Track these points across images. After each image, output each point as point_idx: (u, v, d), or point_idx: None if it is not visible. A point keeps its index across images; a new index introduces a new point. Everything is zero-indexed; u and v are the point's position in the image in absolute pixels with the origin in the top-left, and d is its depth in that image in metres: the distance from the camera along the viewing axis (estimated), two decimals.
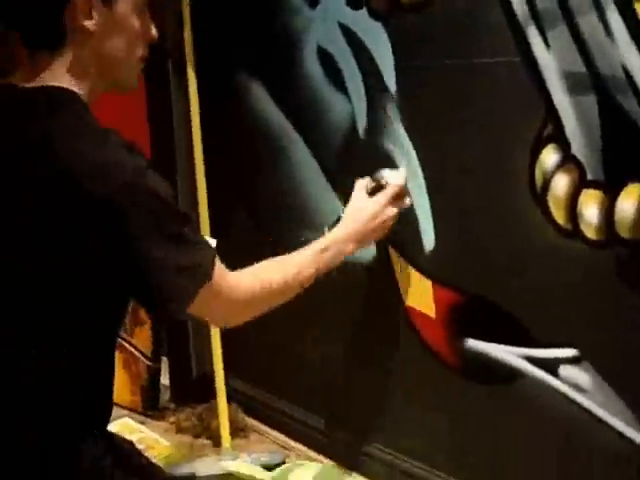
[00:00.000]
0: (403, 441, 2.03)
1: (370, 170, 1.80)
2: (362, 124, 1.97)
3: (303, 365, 2.24)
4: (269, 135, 2.22)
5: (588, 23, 1.41)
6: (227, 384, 2.37)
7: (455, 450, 1.91)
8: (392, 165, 1.83)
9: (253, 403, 2.45)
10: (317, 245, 1.57)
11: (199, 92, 2.31)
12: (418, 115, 1.80)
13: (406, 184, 1.74)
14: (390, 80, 1.86)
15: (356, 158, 1.98)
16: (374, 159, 1.90)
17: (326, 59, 2.02)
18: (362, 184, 1.73)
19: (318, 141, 2.09)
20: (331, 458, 2.21)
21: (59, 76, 1.21)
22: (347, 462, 2.17)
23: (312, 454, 2.27)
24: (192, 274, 1.23)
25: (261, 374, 2.43)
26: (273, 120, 2.22)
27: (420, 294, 1.91)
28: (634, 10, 1.34)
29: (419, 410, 1.95)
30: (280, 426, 2.38)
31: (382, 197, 1.70)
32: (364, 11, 1.90)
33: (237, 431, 2.40)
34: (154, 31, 1.31)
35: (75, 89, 1.22)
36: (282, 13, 2.10)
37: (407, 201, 1.74)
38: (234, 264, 1.36)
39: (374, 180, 1.72)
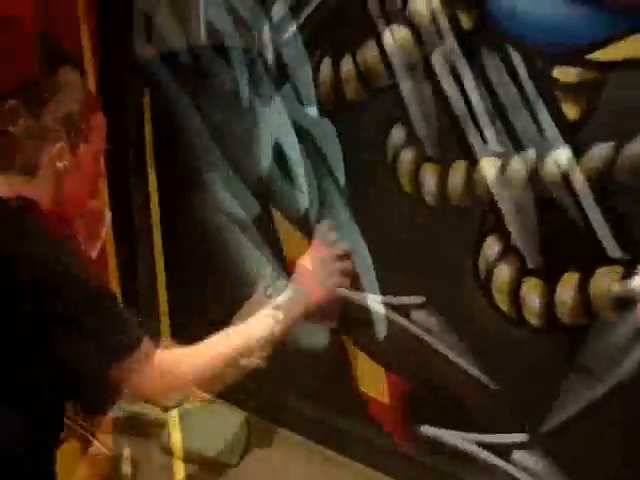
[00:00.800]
0: None
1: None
2: (313, 216, 2.01)
3: None
4: (227, 226, 2.26)
5: (521, 120, 1.47)
6: None
7: None
8: None
9: None
10: (271, 312, 1.70)
11: (158, 184, 2.37)
12: (368, 210, 1.85)
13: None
14: (340, 174, 1.91)
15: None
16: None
17: (280, 154, 2.06)
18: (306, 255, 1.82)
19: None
20: None
21: (26, 193, 1.54)
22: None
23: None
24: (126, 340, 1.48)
25: None
26: (231, 211, 2.25)
27: (374, 381, 1.94)
28: (561, 110, 1.41)
29: None
30: None
31: (326, 250, 1.81)
32: (314, 108, 1.95)
33: None
34: (104, 173, 1.74)
35: (39, 202, 1.54)
36: (237, 110, 2.15)
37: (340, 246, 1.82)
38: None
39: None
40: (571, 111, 1.41)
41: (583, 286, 1.45)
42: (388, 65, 1.71)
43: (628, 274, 1.38)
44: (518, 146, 1.50)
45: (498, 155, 1.52)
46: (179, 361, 1.58)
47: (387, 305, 1.85)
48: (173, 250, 2.45)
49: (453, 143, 1.58)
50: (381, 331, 1.88)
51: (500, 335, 1.62)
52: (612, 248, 1.40)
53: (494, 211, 1.57)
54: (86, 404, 1.60)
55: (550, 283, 1.51)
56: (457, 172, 1.58)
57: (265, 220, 2.05)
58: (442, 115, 1.59)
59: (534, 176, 1.49)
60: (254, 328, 1.67)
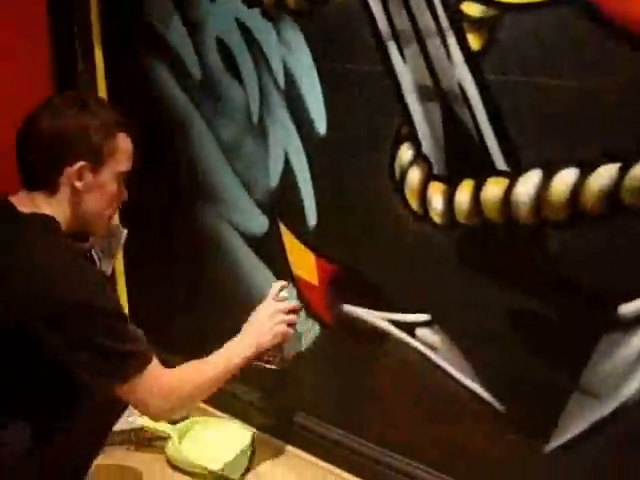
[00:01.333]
0: (296, 397, 2.29)
1: (260, 156, 2.09)
2: (255, 112, 2.19)
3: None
4: (175, 118, 2.40)
5: (433, 45, 1.67)
6: None
7: (341, 401, 2.18)
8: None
9: None
10: (225, 349, 1.86)
11: (106, 70, 2.49)
12: (302, 108, 2.03)
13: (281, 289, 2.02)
14: (279, 75, 2.08)
15: (249, 141, 2.20)
16: (264, 145, 2.14)
17: (224, 50, 2.20)
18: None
19: (217, 123, 2.29)
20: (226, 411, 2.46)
21: (47, 211, 1.61)
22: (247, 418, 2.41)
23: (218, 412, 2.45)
24: (133, 360, 1.61)
25: None
26: (179, 104, 2.41)
27: (305, 264, 2.15)
28: (466, 37, 1.61)
29: (311, 369, 2.22)
30: None
31: (268, 299, 1.99)
32: (257, 10, 2.10)
33: None
34: (125, 194, 1.74)
35: (60, 220, 1.63)
36: (184, 5, 2.28)
37: (293, 303, 2.03)
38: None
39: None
40: (474, 42, 1.61)
41: (476, 192, 1.68)
42: None
43: (511, 184, 1.61)
44: (430, 67, 1.70)
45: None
46: (182, 379, 1.70)
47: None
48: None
49: None
50: (311, 218, 2.08)
51: (410, 230, 1.85)
52: (500, 161, 1.63)
53: (409, 122, 1.77)
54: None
55: (451, 187, 1.73)
56: None
57: (272, 235, 2.17)
58: None
59: (441, 92, 1.69)
60: (234, 354, 1.84)
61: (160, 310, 2.48)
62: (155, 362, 1.64)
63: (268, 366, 2.01)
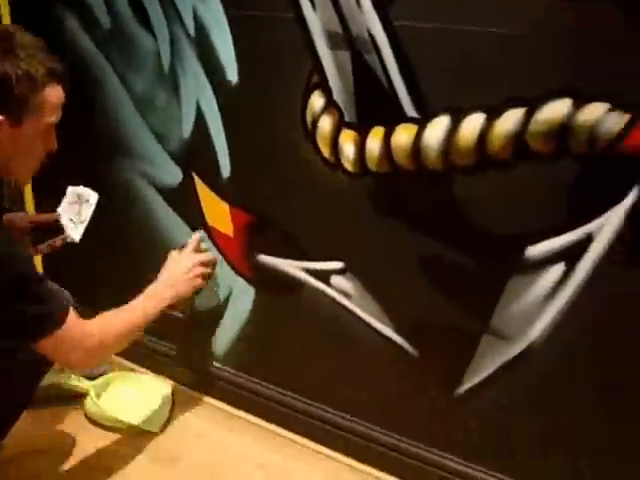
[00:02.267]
0: (214, 348, 2.30)
1: (173, 106, 2.07)
2: (166, 62, 2.16)
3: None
4: (86, 70, 2.35)
5: None
6: None
7: (259, 351, 2.21)
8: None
9: None
10: (142, 296, 1.88)
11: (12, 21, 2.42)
12: (213, 57, 2.00)
13: (202, 241, 2.10)
14: (190, 24, 2.05)
15: (161, 91, 2.17)
16: (176, 95, 2.11)
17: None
18: (173, 251, 2.07)
19: (129, 74, 2.25)
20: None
21: None
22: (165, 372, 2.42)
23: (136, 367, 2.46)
24: (47, 318, 1.61)
25: None
26: (89, 55, 2.36)
27: (220, 216, 2.15)
28: None
29: (231, 323, 2.22)
30: None
31: (185, 249, 2.05)
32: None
33: None
34: (54, 144, 1.64)
35: None
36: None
37: (209, 255, 2.09)
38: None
39: (180, 246, 2.09)
40: None
41: (387, 139, 1.69)
42: None
43: (420, 130, 1.63)
44: (340, 14, 1.69)
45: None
46: (101, 328, 1.73)
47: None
48: None
49: None
50: (225, 169, 2.07)
51: (323, 178, 1.85)
52: (409, 108, 1.64)
53: (319, 70, 1.77)
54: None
55: (362, 135, 1.74)
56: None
57: (187, 187, 2.16)
58: None
59: (351, 40, 1.69)
60: (151, 301, 1.88)
61: (77, 264, 2.44)
62: (72, 315, 1.65)
63: (176, 313, 2.09)
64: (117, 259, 2.44)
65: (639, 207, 1.41)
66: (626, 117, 1.38)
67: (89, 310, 1.79)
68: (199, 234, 2.09)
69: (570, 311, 1.56)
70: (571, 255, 1.52)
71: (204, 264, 2.04)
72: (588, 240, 1.49)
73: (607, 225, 1.45)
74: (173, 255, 2.03)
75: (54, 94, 1.55)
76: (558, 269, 1.54)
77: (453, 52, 1.55)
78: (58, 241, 2.04)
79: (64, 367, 2.11)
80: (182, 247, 2.08)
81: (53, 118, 1.57)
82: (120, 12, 2.16)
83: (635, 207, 1.41)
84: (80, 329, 1.67)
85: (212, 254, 2.11)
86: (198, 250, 2.08)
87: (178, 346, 2.38)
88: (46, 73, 1.52)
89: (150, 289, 1.90)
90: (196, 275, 2.00)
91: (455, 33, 1.54)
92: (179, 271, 1.97)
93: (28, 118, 1.52)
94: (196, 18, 1.98)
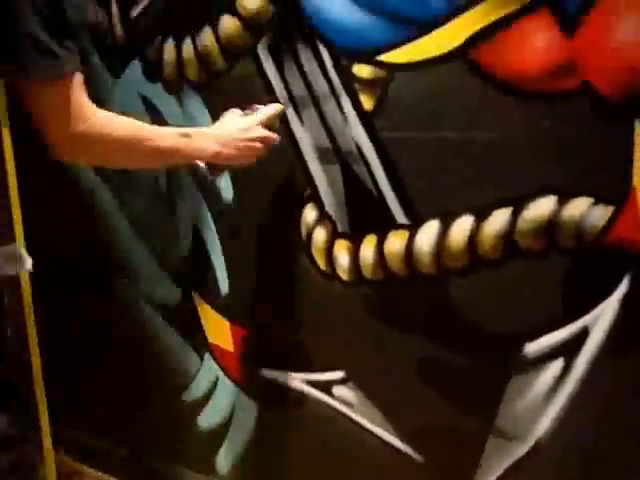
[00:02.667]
0: (217, 464, 2.27)
1: (171, 221, 2.10)
2: (163, 183, 2.22)
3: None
4: (85, 193, 2.41)
5: (329, 108, 1.74)
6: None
7: (266, 470, 2.17)
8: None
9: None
10: (181, 129, 1.60)
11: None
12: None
13: (277, 117, 1.73)
14: None
15: (159, 212, 2.22)
16: (174, 213, 2.16)
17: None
18: (234, 111, 1.73)
19: (126, 196, 2.31)
20: None
21: None
22: None
23: None
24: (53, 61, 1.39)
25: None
26: (88, 179, 2.42)
27: (220, 332, 2.16)
28: (359, 98, 1.68)
29: (234, 440, 2.21)
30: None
31: (252, 117, 1.68)
32: (159, 85, 2.15)
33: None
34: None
35: None
36: (88, 81, 2.31)
37: (274, 133, 1.71)
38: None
39: (250, 108, 1.73)
40: (367, 102, 1.68)
41: (380, 246, 1.73)
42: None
43: (411, 236, 1.67)
44: (328, 129, 1.76)
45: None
46: (105, 122, 1.48)
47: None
48: None
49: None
50: (223, 285, 2.10)
51: (319, 288, 1.88)
52: (399, 215, 1.68)
53: (311, 183, 1.83)
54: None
55: (355, 244, 1.78)
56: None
57: (186, 305, 2.18)
58: None
59: (340, 152, 1.75)
60: (163, 131, 1.59)
61: (73, 382, 2.44)
62: (80, 81, 1.44)
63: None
64: (117, 378, 2.44)
65: (631, 297, 1.43)
66: (610, 210, 1.42)
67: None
68: (276, 108, 1.73)
69: (573, 406, 1.56)
70: (569, 349, 1.53)
71: (266, 141, 1.69)
72: (584, 333, 1.50)
73: (602, 317, 1.47)
74: (233, 116, 1.71)
75: None
76: (557, 365, 1.55)
77: (437, 158, 1.61)
78: None
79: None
80: (249, 110, 1.72)
81: None
82: None
83: (627, 297, 1.43)
84: (83, 101, 1.44)
85: (278, 136, 1.74)
86: (266, 125, 1.70)
87: (178, 467, 2.34)
88: None
89: (196, 132, 1.62)
90: (252, 148, 1.66)
91: (437, 140, 1.59)
92: (237, 134, 1.64)
93: None
94: None
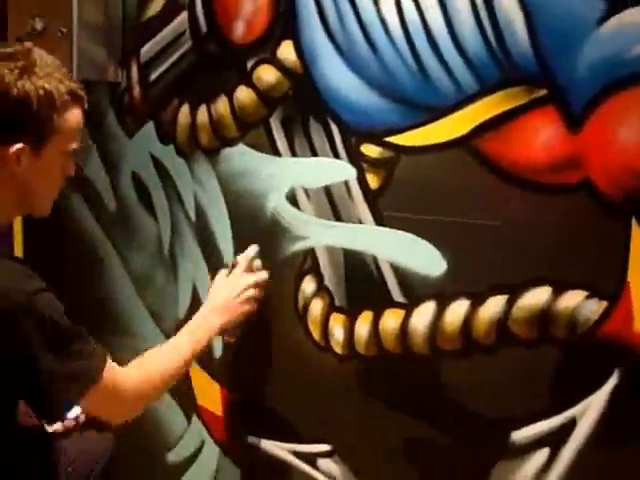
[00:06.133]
0: None
1: (170, 287, 2.11)
2: (166, 244, 2.25)
3: None
4: (88, 248, 2.44)
5: (337, 187, 1.78)
6: None
7: None
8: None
9: None
10: (187, 328, 1.71)
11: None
12: (211, 240, 2.09)
13: (255, 257, 1.84)
14: (190, 208, 2.16)
15: (160, 272, 2.25)
16: (174, 276, 2.19)
17: (139, 184, 2.29)
18: (221, 272, 1.85)
19: (130, 257, 2.35)
20: None
21: None
22: None
23: None
24: (77, 380, 1.43)
25: None
26: (92, 235, 2.46)
27: (210, 395, 2.16)
28: (365, 176, 1.72)
29: None
30: None
31: (235, 270, 1.80)
32: (171, 147, 2.20)
33: None
34: (73, 170, 1.52)
35: None
36: (103, 138, 2.37)
37: (260, 273, 1.83)
38: None
39: (232, 265, 1.85)
40: (372, 181, 1.72)
41: (375, 323, 1.75)
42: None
43: (407, 315, 1.69)
44: (332, 204, 1.80)
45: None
46: (144, 375, 1.59)
47: None
48: None
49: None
50: (217, 349, 2.11)
51: (312, 360, 1.89)
52: (397, 294, 1.71)
53: (312, 256, 1.85)
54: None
55: (351, 319, 1.80)
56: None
57: None
58: None
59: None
60: (183, 349, 1.70)
61: None
62: (110, 364, 1.51)
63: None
64: None
65: (620, 391, 1.44)
66: (603, 304, 1.44)
67: None
68: (252, 250, 1.84)
69: None
70: (555, 440, 1.53)
71: (256, 285, 1.80)
72: (572, 424, 1.51)
73: (590, 409, 1.48)
74: (221, 278, 1.82)
75: (75, 116, 1.43)
76: (543, 453, 1.56)
77: (435, 241, 1.63)
78: None
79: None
80: (232, 267, 1.84)
81: (74, 144, 1.45)
82: (125, 196, 2.26)
83: (616, 391, 1.45)
84: (119, 380, 1.51)
85: (265, 272, 1.86)
86: (249, 269, 1.82)
87: None
88: (67, 93, 1.40)
89: (198, 319, 1.73)
90: (247, 299, 1.78)
91: (439, 224, 1.63)
92: (228, 296, 1.76)
93: (49, 141, 1.39)
94: (197, 203, 2.08)
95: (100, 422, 1.74)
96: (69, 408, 1.72)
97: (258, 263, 1.85)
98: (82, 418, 1.97)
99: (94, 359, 1.46)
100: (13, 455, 1.53)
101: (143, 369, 1.58)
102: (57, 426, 1.91)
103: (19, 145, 1.36)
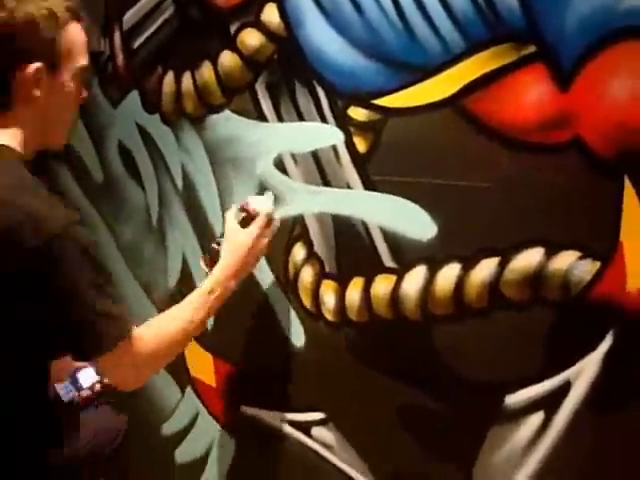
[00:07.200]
0: None
1: (159, 257, 2.07)
2: (154, 214, 2.22)
3: None
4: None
5: (324, 152, 1.75)
6: None
7: None
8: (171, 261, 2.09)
9: None
10: (203, 289, 1.62)
11: None
12: (200, 210, 2.07)
13: (273, 209, 1.76)
14: (178, 178, 2.13)
15: (148, 242, 2.23)
16: (163, 246, 2.17)
17: (125, 153, 2.26)
18: (232, 215, 1.74)
19: (117, 225, 2.32)
20: None
21: (2, 134, 1.38)
22: None
23: None
24: (116, 324, 1.39)
25: None
26: (78, 205, 2.43)
27: (203, 366, 2.16)
28: (354, 143, 1.69)
29: (210, 472, 2.18)
30: None
31: (255, 229, 1.70)
32: (157, 116, 2.16)
33: None
34: (85, 93, 1.49)
35: (15, 146, 1.39)
36: (87, 107, 2.33)
37: (274, 226, 1.76)
38: None
39: (243, 210, 1.74)
40: (360, 144, 1.69)
41: (367, 289, 1.73)
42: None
43: (398, 281, 1.67)
44: (320, 169, 1.77)
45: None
46: (158, 336, 1.51)
47: None
48: None
49: None
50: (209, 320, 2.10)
51: (304, 328, 1.88)
52: (387, 259, 1.69)
53: (301, 222, 1.83)
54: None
55: (342, 285, 1.78)
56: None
57: None
58: None
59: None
60: (194, 301, 1.62)
61: None
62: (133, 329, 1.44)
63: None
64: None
65: (615, 353, 1.42)
66: (596, 265, 1.42)
67: None
68: (270, 200, 1.77)
69: (551, 460, 1.54)
70: (550, 403, 1.52)
71: (271, 238, 1.74)
72: (566, 387, 1.49)
73: (584, 372, 1.46)
74: (235, 231, 1.71)
75: (79, 31, 1.43)
76: (538, 417, 1.54)
77: (427, 204, 1.61)
78: None
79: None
80: (244, 211, 1.75)
81: (83, 60, 1.43)
82: (111, 166, 2.23)
83: (610, 352, 1.43)
84: (140, 340, 1.44)
85: (277, 222, 1.79)
86: (267, 222, 1.73)
87: None
88: (66, 10, 1.40)
89: (215, 278, 1.65)
90: (260, 248, 1.72)
91: (428, 186, 1.60)
92: (246, 255, 1.68)
93: (62, 59, 1.39)
94: (184, 172, 2.05)
95: (114, 391, 1.68)
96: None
97: (273, 212, 1.76)
98: (98, 387, 1.96)
99: (124, 308, 1.44)
100: (43, 427, 1.49)
101: (158, 332, 1.52)
102: (73, 394, 1.89)
103: (37, 64, 1.35)
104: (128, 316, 1.43)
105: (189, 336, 1.60)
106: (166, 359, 1.58)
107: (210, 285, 1.62)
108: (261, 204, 1.74)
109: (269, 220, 1.73)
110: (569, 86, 1.39)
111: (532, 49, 1.42)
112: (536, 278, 1.48)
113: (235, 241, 1.69)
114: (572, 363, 1.47)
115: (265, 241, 1.71)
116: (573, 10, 1.36)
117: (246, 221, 1.72)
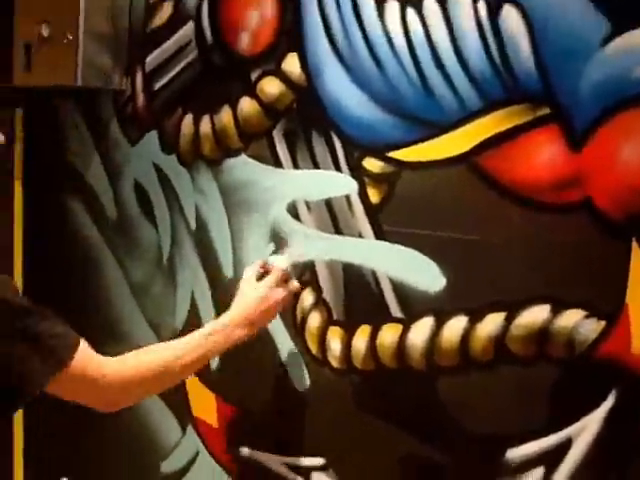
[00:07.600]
0: None
1: (169, 297, 2.08)
2: (166, 253, 2.25)
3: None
4: (88, 256, 2.45)
5: (338, 201, 1.79)
6: None
7: None
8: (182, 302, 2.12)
9: None
10: (202, 330, 1.62)
11: (25, 207, 2.54)
12: (211, 251, 2.09)
13: (291, 268, 1.77)
14: (191, 218, 2.16)
15: (158, 281, 2.25)
16: (172, 285, 2.19)
17: (141, 192, 2.29)
18: (250, 271, 1.74)
19: (128, 262, 2.35)
20: None
21: None
22: None
23: None
24: (46, 362, 1.38)
25: None
26: (91, 242, 2.46)
27: (206, 405, 2.16)
28: (367, 194, 1.73)
29: None
30: None
31: (268, 280, 1.70)
32: (174, 156, 2.20)
33: None
34: None
35: None
36: (105, 145, 2.37)
37: (293, 285, 1.76)
38: None
39: (262, 267, 1.76)
40: (374, 195, 1.73)
41: (373, 337, 1.75)
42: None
43: (405, 330, 1.69)
44: (333, 219, 1.80)
45: None
46: (132, 367, 1.50)
47: None
48: None
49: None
50: (214, 360, 2.11)
51: (309, 373, 1.89)
52: (395, 309, 1.71)
53: (311, 268, 1.85)
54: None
55: (349, 333, 1.80)
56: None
57: None
58: None
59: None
60: (189, 341, 1.61)
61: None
62: (85, 348, 1.45)
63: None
64: (96, 441, 2.42)
65: (617, 412, 1.44)
66: (602, 324, 1.44)
67: None
68: (291, 256, 1.80)
69: None
70: (551, 459, 1.53)
71: (288, 296, 1.74)
72: (567, 444, 1.50)
73: (586, 430, 1.47)
74: (250, 284, 1.72)
75: None
76: (538, 473, 1.55)
77: (435, 257, 1.63)
78: None
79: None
80: (262, 268, 1.77)
81: None
82: (126, 204, 2.27)
83: (613, 412, 1.44)
84: (122, 362, 1.48)
85: (296, 283, 1.79)
86: (284, 279, 1.73)
87: None
88: None
89: (218, 324, 1.64)
90: (275, 312, 1.72)
91: (439, 239, 1.63)
92: (256, 309, 1.67)
93: None
94: (198, 212, 2.08)
95: None
96: None
97: (292, 269, 1.78)
98: None
99: (63, 341, 1.43)
100: None
101: (135, 360, 1.52)
102: None
103: None
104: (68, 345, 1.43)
105: (174, 373, 1.57)
106: (138, 391, 1.56)
107: (211, 328, 1.63)
108: (278, 261, 1.77)
109: (286, 276, 1.74)
110: (581, 148, 1.42)
111: (547, 110, 1.46)
112: (542, 334, 1.49)
113: (246, 291, 1.70)
114: (574, 420, 1.48)
115: (280, 295, 1.71)
116: (588, 76, 1.39)
117: (263, 277, 1.73)
